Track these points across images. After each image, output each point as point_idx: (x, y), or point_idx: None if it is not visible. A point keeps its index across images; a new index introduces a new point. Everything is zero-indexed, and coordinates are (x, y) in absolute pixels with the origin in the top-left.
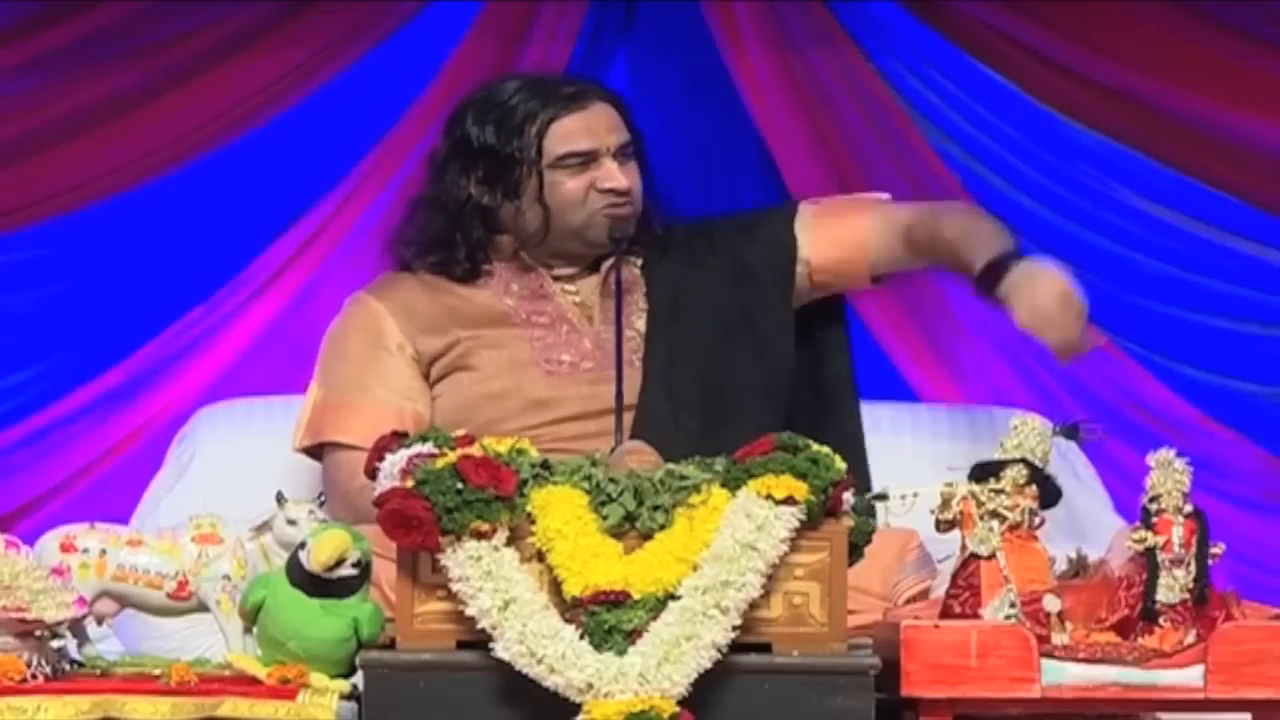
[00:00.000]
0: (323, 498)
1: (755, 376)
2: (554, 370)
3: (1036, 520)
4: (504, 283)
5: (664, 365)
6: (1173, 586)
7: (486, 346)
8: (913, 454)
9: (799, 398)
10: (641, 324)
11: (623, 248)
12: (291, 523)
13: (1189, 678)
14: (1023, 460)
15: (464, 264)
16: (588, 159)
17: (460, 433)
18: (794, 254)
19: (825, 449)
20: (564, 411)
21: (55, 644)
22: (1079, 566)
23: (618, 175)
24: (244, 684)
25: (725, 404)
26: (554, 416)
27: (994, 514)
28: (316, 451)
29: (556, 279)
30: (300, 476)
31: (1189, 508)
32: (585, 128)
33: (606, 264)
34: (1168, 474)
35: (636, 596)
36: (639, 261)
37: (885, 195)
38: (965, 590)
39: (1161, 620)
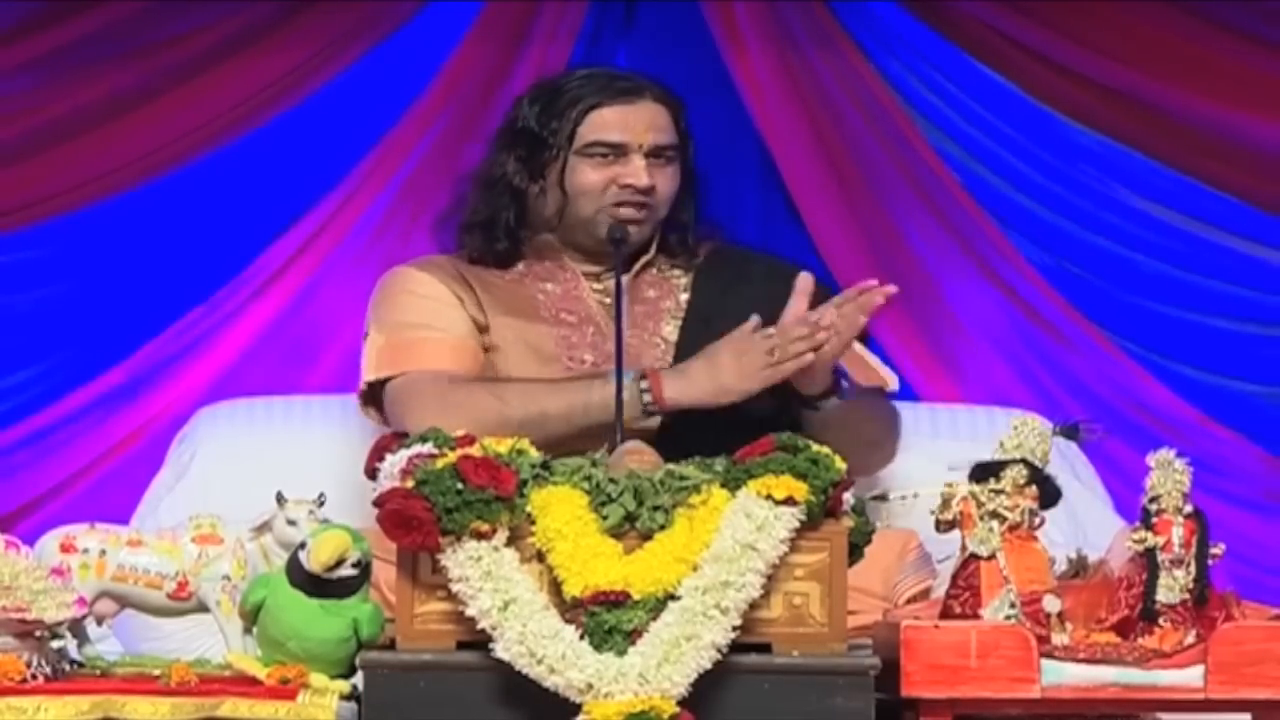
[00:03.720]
0: (323, 497)
1: (771, 404)
2: (574, 367)
3: (1036, 520)
4: (537, 279)
5: None
6: (1173, 587)
7: (514, 336)
8: (913, 454)
9: None
10: (670, 331)
11: (622, 249)
12: (291, 523)
13: (1189, 678)
14: (1023, 460)
15: (503, 242)
16: (616, 152)
17: (460, 433)
18: None
19: (825, 449)
20: None
21: (55, 644)
22: (1079, 566)
23: (640, 173)
24: (244, 684)
25: (746, 422)
26: None
27: (994, 514)
28: (369, 396)
29: (587, 276)
30: (300, 476)
31: (1189, 508)
32: (621, 121)
33: (636, 265)
34: (1168, 474)
35: (636, 597)
36: (678, 271)
37: None
38: (965, 590)
39: (1161, 620)
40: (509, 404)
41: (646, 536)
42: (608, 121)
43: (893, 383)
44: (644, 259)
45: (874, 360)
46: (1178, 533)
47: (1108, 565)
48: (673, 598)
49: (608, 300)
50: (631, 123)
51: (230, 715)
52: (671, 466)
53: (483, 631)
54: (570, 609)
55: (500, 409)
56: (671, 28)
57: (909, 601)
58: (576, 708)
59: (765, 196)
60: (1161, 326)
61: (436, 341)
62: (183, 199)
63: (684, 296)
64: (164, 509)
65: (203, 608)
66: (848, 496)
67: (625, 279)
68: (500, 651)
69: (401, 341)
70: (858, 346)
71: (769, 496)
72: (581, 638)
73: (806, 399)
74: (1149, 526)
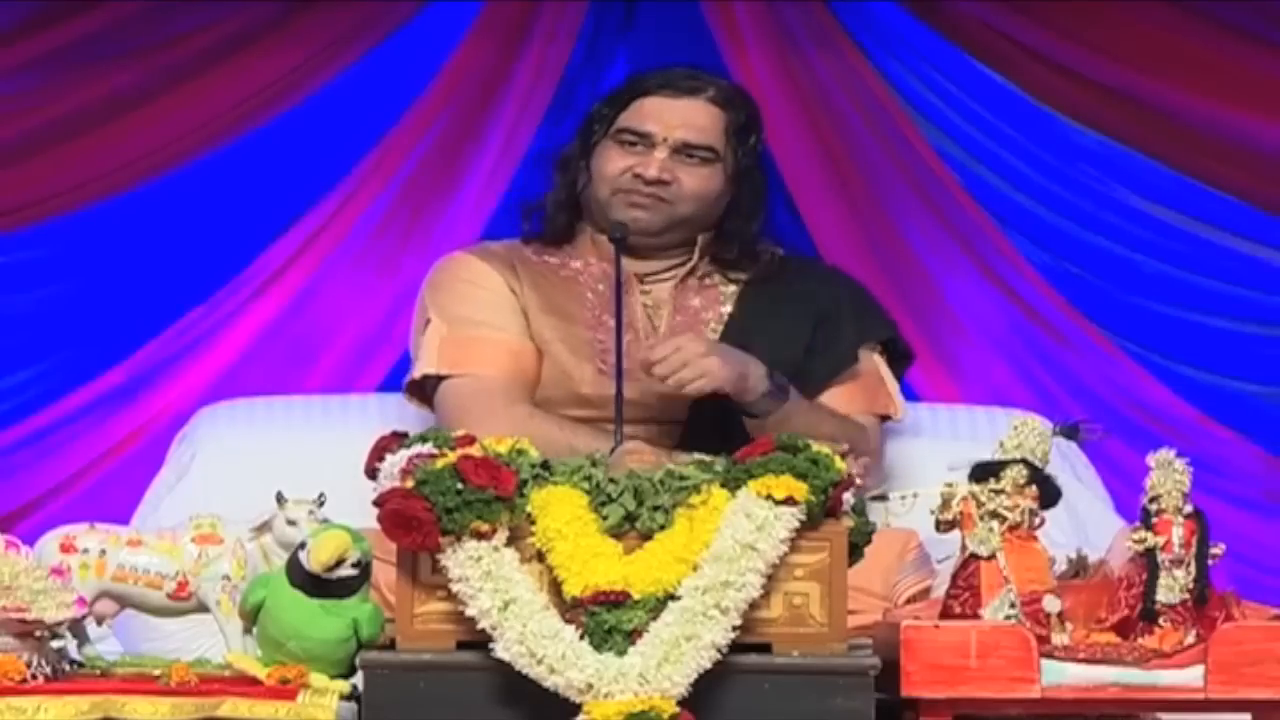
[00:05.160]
0: (323, 497)
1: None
2: (605, 370)
3: (1036, 520)
4: (592, 278)
5: (715, 399)
6: (1173, 587)
7: (550, 335)
8: (913, 454)
9: None
10: None
11: (622, 247)
12: (291, 523)
13: (1189, 678)
14: (1023, 460)
15: (556, 219)
16: (645, 142)
17: (460, 433)
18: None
19: (825, 449)
20: (606, 411)
21: (55, 644)
22: (1079, 566)
23: (651, 164)
24: (244, 684)
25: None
26: (597, 414)
27: (994, 514)
28: (415, 388)
29: (639, 277)
30: (300, 476)
31: (1189, 508)
32: (657, 112)
33: (681, 271)
34: (1168, 474)
35: (636, 597)
36: (728, 282)
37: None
38: (965, 590)
39: (1161, 620)
40: (578, 451)
41: (646, 536)
42: (645, 111)
43: (895, 413)
44: (688, 265)
45: (889, 385)
46: (1178, 533)
47: (1108, 565)
48: (673, 598)
49: (650, 304)
50: (666, 115)
51: (230, 715)
52: (671, 466)
53: (483, 631)
54: (570, 609)
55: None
56: (671, 28)
57: (909, 601)
58: (576, 708)
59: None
60: (1161, 326)
61: (496, 343)
62: (183, 199)
63: (726, 309)
64: (164, 509)
65: (203, 608)
66: (848, 496)
67: (669, 286)
68: (500, 651)
69: (464, 338)
70: (880, 365)
71: (769, 496)
72: (581, 638)
73: (744, 407)
74: (1149, 526)
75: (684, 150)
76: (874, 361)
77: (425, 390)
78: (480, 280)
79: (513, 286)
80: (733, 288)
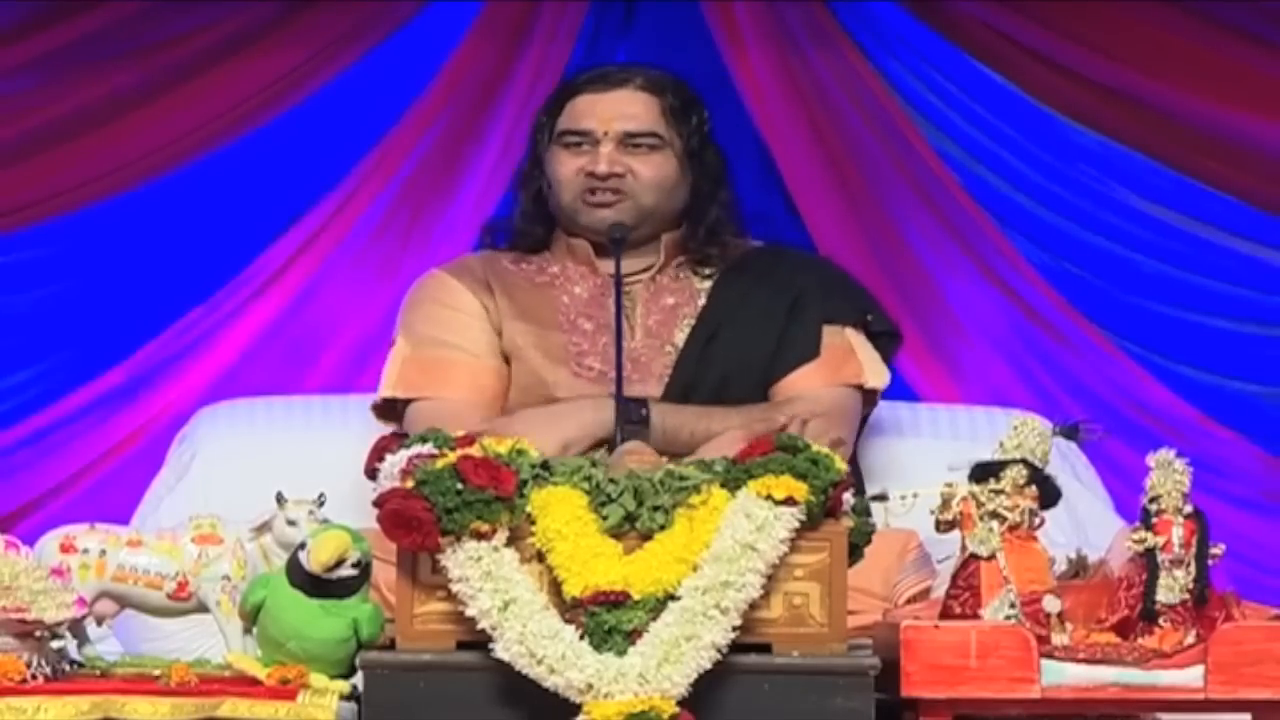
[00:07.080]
0: (323, 497)
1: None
2: (581, 373)
3: (1036, 520)
4: (569, 282)
5: (684, 389)
6: (1173, 587)
7: (525, 341)
8: (913, 454)
9: None
10: (681, 337)
11: (621, 249)
12: (291, 523)
13: (1189, 678)
14: (1023, 460)
15: (524, 233)
16: (589, 140)
17: (460, 433)
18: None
19: (825, 449)
20: None
21: (55, 644)
22: (1079, 566)
23: (599, 160)
24: (244, 684)
25: None
26: None
27: (994, 514)
28: (385, 409)
29: (614, 279)
30: (300, 476)
31: (1189, 508)
32: (591, 109)
33: (652, 269)
34: (1168, 474)
35: (636, 597)
36: (702, 276)
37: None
38: (965, 590)
39: (1161, 621)
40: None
41: (646, 536)
42: (579, 109)
43: (868, 380)
44: (658, 263)
45: (860, 354)
46: (1178, 533)
47: (1108, 565)
48: (673, 598)
49: (627, 305)
50: (601, 110)
51: (230, 715)
52: (671, 466)
53: (483, 631)
54: (570, 609)
55: None
56: (671, 28)
57: (909, 601)
58: (576, 708)
59: (765, 196)
60: (1161, 326)
61: (461, 364)
62: (183, 199)
63: (701, 304)
64: (164, 509)
65: (203, 608)
66: (848, 496)
67: (641, 286)
68: (500, 651)
69: (426, 359)
70: (852, 338)
71: (769, 497)
72: (581, 638)
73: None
74: (1149, 526)
75: (628, 141)
76: (843, 335)
77: (397, 409)
78: (451, 300)
79: (485, 303)
80: (707, 283)
